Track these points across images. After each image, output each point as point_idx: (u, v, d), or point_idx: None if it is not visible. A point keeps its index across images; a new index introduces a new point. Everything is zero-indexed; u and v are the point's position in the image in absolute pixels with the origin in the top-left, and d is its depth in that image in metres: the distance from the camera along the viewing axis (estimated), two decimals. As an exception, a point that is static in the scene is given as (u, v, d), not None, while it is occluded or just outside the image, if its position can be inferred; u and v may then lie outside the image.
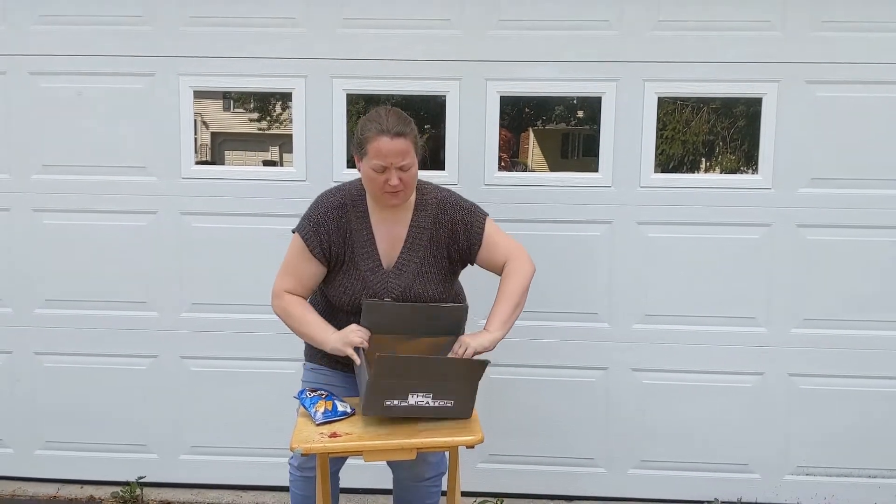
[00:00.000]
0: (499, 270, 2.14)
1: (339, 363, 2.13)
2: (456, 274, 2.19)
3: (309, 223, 2.08)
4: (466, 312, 2.06)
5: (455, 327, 2.05)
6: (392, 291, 2.06)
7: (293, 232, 2.11)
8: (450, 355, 1.99)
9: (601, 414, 2.89)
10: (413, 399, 1.89)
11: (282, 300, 2.10)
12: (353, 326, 2.01)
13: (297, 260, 2.09)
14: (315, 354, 2.18)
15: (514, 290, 2.09)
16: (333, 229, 2.06)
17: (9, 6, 2.81)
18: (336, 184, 2.20)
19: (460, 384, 1.91)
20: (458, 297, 2.25)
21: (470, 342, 1.99)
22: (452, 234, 2.10)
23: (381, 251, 2.08)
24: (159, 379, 2.94)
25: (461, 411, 1.94)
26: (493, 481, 2.93)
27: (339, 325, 2.06)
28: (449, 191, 2.17)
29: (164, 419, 2.96)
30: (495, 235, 2.13)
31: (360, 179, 2.09)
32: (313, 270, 2.08)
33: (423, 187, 2.14)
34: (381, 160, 1.96)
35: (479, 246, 2.11)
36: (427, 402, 1.90)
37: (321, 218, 2.07)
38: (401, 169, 1.97)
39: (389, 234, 2.09)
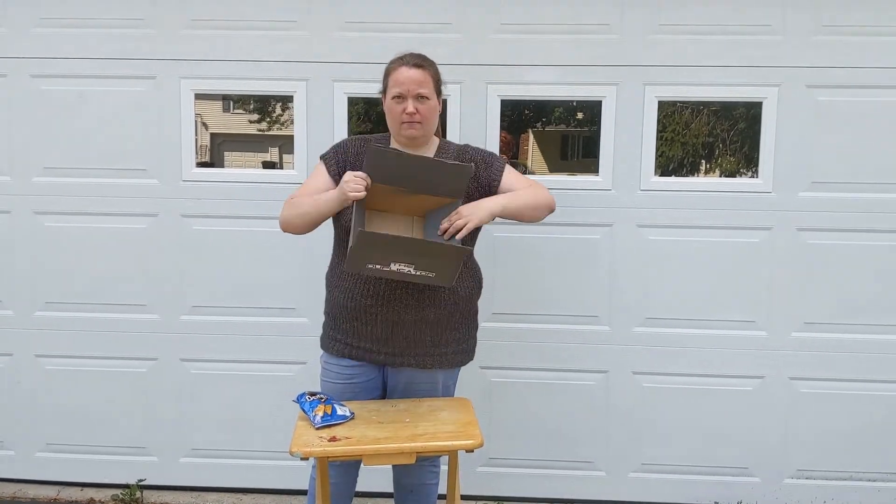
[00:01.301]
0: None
1: (347, 346, 2.16)
2: None
3: (331, 146, 2.23)
4: (470, 173, 2.00)
5: (458, 189, 2.01)
6: None
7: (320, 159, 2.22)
8: (444, 222, 1.99)
9: (601, 417, 2.89)
10: (395, 266, 1.92)
11: (287, 202, 2.14)
12: (350, 173, 1.98)
13: (313, 174, 2.20)
14: (329, 344, 2.20)
15: (527, 193, 2.13)
16: (352, 154, 2.16)
17: (10, 8, 2.81)
18: None
19: (443, 262, 1.94)
20: (476, 270, 2.26)
21: (469, 217, 1.99)
22: (474, 172, 2.14)
23: None
24: (159, 381, 2.94)
25: (442, 280, 1.97)
26: (492, 485, 2.93)
27: (353, 280, 2.10)
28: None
29: (164, 422, 2.96)
30: (515, 175, 2.20)
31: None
32: (322, 184, 2.13)
33: (445, 141, 2.24)
34: (399, 87, 2.08)
35: (499, 182, 2.15)
36: (409, 271, 1.94)
37: (344, 142, 2.22)
38: (418, 99, 2.07)
39: None
